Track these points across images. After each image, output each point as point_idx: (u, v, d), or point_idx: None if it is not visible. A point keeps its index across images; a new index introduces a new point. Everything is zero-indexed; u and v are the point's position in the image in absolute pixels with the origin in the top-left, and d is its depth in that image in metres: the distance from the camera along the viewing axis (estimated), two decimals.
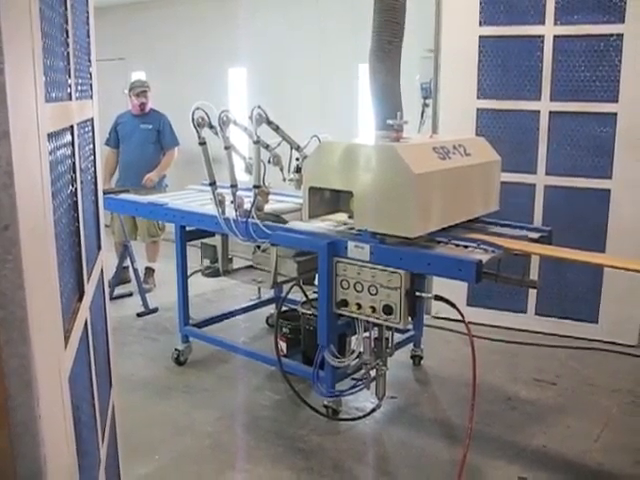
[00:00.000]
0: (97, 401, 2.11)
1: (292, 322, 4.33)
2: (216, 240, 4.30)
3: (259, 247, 4.05)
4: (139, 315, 5.65)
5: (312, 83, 6.70)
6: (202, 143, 3.93)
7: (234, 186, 3.93)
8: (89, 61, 2.36)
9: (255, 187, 3.88)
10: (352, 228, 3.59)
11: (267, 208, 4.11)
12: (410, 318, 3.43)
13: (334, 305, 3.58)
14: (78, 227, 1.92)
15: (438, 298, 3.46)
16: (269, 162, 4.20)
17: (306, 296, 4.00)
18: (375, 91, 3.59)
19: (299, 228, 3.78)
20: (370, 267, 3.41)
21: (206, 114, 3.90)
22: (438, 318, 5.22)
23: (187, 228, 4.50)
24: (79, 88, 2.04)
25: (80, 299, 1.93)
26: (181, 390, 4.25)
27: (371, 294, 3.42)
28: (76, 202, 1.91)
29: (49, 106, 1.47)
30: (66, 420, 1.46)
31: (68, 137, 1.80)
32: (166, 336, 5.08)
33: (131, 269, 5.97)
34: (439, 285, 4.53)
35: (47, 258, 1.38)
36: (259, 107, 3.82)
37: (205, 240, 4.49)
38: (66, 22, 1.81)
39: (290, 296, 4.17)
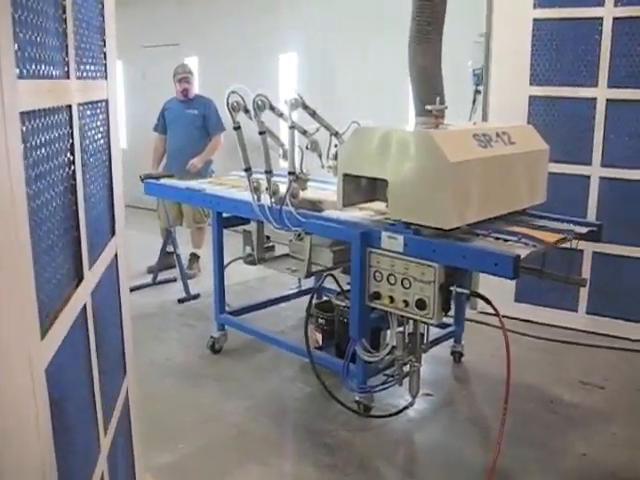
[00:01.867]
0: (98, 391, 2.04)
1: (328, 313, 4.22)
2: (252, 227, 4.22)
3: (299, 235, 3.95)
4: (180, 301, 5.64)
5: (363, 68, 6.53)
6: (237, 127, 3.85)
7: (269, 172, 3.84)
8: (102, 41, 2.28)
9: (290, 174, 3.77)
10: (388, 218, 3.45)
11: (305, 195, 4.01)
12: (444, 314, 3.27)
13: (367, 297, 3.45)
14: (76, 210, 1.85)
15: (474, 294, 3.30)
16: (307, 148, 4.09)
17: (340, 287, 3.88)
18: (414, 75, 3.43)
19: (333, 217, 3.66)
20: (403, 259, 3.26)
21: (242, 98, 3.81)
22: (484, 313, 5.02)
23: (225, 215, 4.44)
24: (83, 67, 1.96)
25: (78, 285, 1.86)
26: (213, 378, 4.20)
27: (404, 287, 3.28)
28: (74, 185, 1.84)
29: (25, 83, 1.39)
30: (38, 409, 1.39)
31: (63, 116, 1.72)
32: (204, 323, 5.04)
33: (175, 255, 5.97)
34: (486, 279, 4.33)
35: (13, 242, 1.29)
36: (295, 91, 3.70)
37: (246, 227, 4.42)
38: None
39: (331, 286, 4.07)
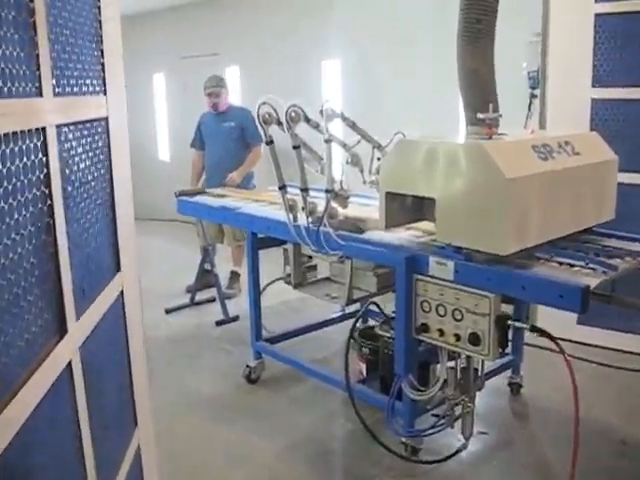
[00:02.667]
0: (91, 453, 1.74)
1: (374, 342, 3.86)
2: (288, 249, 3.90)
3: (340, 257, 3.61)
4: (218, 323, 5.35)
5: (412, 73, 6.15)
6: (269, 142, 3.54)
7: (305, 190, 3.51)
8: (99, 51, 1.98)
9: (327, 192, 3.43)
10: (435, 240, 3.08)
11: (347, 213, 3.68)
12: (501, 350, 2.88)
13: (413, 330, 3.09)
14: (55, 253, 1.55)
15: (535, 329, 2.90)
16: (347, 163, 3.75)
17: (385, 315, 3.53)
18: (464, 80, 3.05)
19: (375, 239, 3.31)
20: (454, 288, 2.89)
21: (274, 110, 3.50)
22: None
23: (261, 235, 4.14)
24: (66, 82, 1.66)
25: (59, 340, 1.57)
26: (246, 412, 3.89)
27: (455, 319, 2.91)
28: (52, 223, 1.54)
29: None
30: None
31: (32, 142, 1.42)
32: (241, 349, 4.72)
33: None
34: None
35: None
36: (331, 101, 3.37)
37: (286, 246, 4.12)
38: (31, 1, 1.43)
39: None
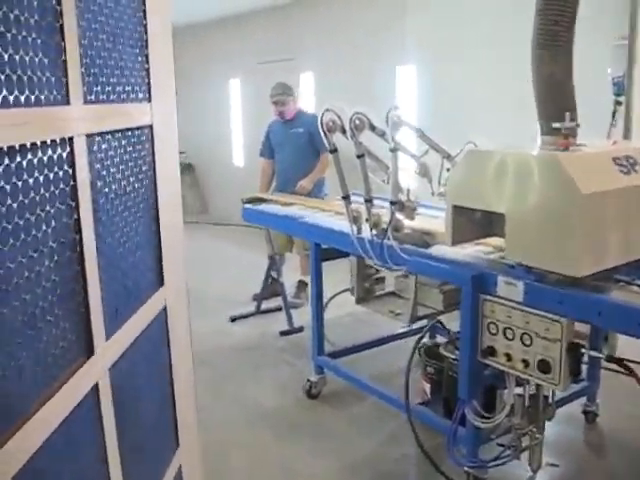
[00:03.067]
0: (120, 473, 1.66)
1: (439, 361, 3.67)
2: (352, 262, 3.76)
3: (406, 271, 3.46)
4: (282, 333, 5.26)
5: (491, 81, 5.90)
6: (333, 150, 3.41)
7: (369, 200, 3.37)
8: (143, 56, 1.91)
9: (392, 203, 3.28)
10: (503, 257, 2.89)
11: (414, 225, 3.52)
12: (573, 379, 2.65)
13: (479, 352, 2.90)
14: (82, 271, 1.47)
15: (612, 359, 2.66)
16: (416, 173, 3.60)
17: (450, 335, 3.35)
18: (539, 86, 2.84)
19: (441, 255, 3.13)
20: (524, 310, 2.69)
21: (338, 117, 3.37)
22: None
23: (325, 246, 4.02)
24: (99, 89, 1.58)
25: (84, 363, 1.49)
26: (305, 429, 3.77)
27: (524, 344, 2.70)
28: (78, 239, 1.46)
29: None
30: None
31: (56, 152, 1.34)
32: (304, 361, 4.61)
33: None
34: None
35: None
36: (396, 108, 3.22)
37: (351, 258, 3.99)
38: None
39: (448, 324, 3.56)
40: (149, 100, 1.96)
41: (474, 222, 3.01)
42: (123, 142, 1.77)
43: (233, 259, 7.56)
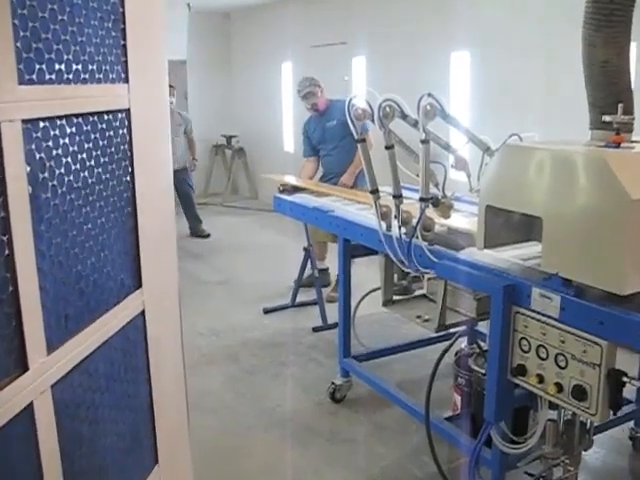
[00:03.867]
0: None
1: (471, 372, 3.37)
2: (380, 261, 3.49)
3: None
4: (315, 330, 5.03)
5: (549, 69, 5.49)
6: (360, 140, 3.15)
7: (397, 197, 3.10)
8: (119, 33, 1.68)
9: (422, 200, 2.99)
10: (539, 264, 2.58)
11: (450, 224, 3.24)
12: (612, 411, 2.33)
13: (509, 370, 2.60)
14: (12, 275, 1.27)
15: None
16: (452, 167, 3.30)
17: (479, 348, 3.06)
18: (589, 73, 2.50)
19: (473, 259, 2.83)
20: (559, 328, 2.38)
21: (369, 105, 3.10)
22: None
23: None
24: (48, 68, 1.37)
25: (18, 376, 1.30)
26: (324, 435, 3.54)
27: (558, 366, 2.40)
28: (5, 240, 1.25)
29: None
30: None
31: None
32: (333, 361, 4.36)
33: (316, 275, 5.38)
34: None
35: None
36: (430, 95, 2.92)
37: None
38: None
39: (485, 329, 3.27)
40: (126, 81, 1.73)
41: (510, 225, 2.70)
42: (84, 128, 1.55)
43: (279, 247, 7.36)
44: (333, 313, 5.13)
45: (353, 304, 3.95)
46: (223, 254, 7.42)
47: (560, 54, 5.27)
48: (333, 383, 3.91)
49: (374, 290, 3.89)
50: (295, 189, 4.59)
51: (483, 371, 2.97)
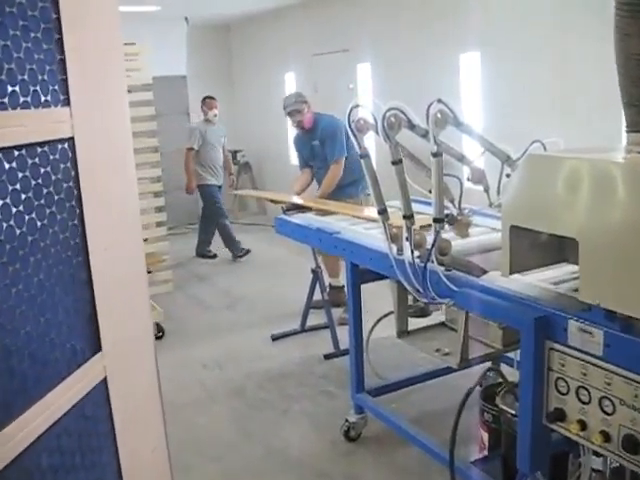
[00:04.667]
0: None
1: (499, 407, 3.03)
2: (392, 287, 3.16)
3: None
4: (327, 357, 4.69)
5: (569, 70, 5.13)
6: (364, 155, 2.82)
7: (408, 217, 2.76)
8: (56, 45, 1.37)
9: (435, 221, 2.65)
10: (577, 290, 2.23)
11: (470, 243, 2.91)
12: None
13: (544, 415, 2.26)
14: None
15: None
16: (468, 180, 2.96)
17: (506, 383, 2.71)
18: (623, 68, 2.16)
19: (497, 286, 2.48)
20: (604, 368, 2.03)
21: (372, 115, 2.77)
22: None
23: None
24: None
25: None
26: None
27: (604, 412, 2.05)
28: None
29: None
30: None
31: None
32: (347, 392, 4.01)
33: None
34: None
35: None
36: (440, 101, 2.58)
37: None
38: None
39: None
40: (66, 104, 1.42)
41: (538, 246, 2.35)
42: (5, 166, 1.24)
43: (288, 265, 7.02)
44: (346, 337, 4.79)
45: (367, 327, 3.60)
46: (230, 274, 7.11)
47: (578, 51, 4.93)
48: (347, 420, 3.57)
49: (387, 315, 3.55)
50: (298, 207, 4.28)
51: (513, 412, 2.63)
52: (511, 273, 2.35)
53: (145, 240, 5.33)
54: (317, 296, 5.11)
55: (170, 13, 8.37)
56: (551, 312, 2.21)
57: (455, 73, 6.10)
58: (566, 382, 2.16)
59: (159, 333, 5.27)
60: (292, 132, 9.20)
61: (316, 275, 4.99)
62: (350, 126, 2.77)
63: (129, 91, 5.13)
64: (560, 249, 2.37)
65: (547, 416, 2.24)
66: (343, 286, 5.52)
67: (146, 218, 5.29)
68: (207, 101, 7.81)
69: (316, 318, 5.22)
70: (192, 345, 5.08)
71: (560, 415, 2.19)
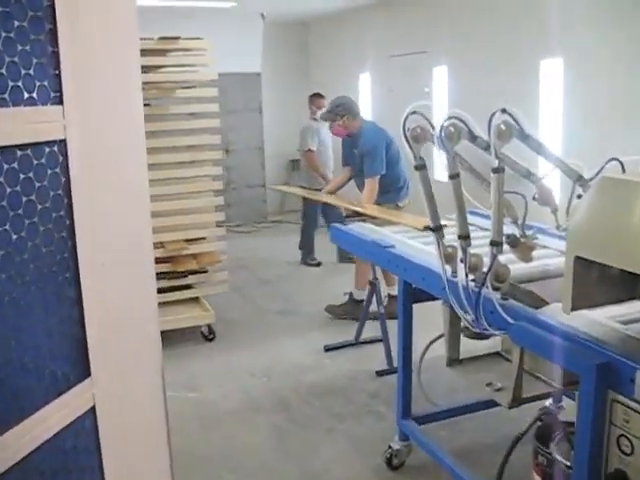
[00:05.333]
0: None
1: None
2: (443, 310, 2.91)
3: None
4: (379, 373, 4.47)
5: None
6: (420, 167, 2.59)
7: (464, 237, 2.51)
8: (50, 42, 1.22)
9: (492, 244, 2.40)
10: None
11: (530, 267, 2.64)
12: None
13: (603, 475, 1.98)
14: None
15: None
16: (534, 199, 2.69)
17: (563, 427, 2.43)
18: None
19: (557, 322, 2.21)
20: None
21: (429, 122, 2.54)
22: None
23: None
24: None
25: None
26: None
27: None
28: None
29: None
30: None
31: None
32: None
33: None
34: None
35: None
36: (505, 111, 2.32)
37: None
38: None
39: None
40: (58, 102, 1.26)
41: (608, 280, 2.08)
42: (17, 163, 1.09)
43: (352, 271, 6.78)
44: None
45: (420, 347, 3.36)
46: (292, 279, 6.94)
47: None
48: (390, 447, 3.34)
49: (438, 338, 3.30)
50: (359, 215, 4.08)
51: (569, 463, 2.36)
52: (573, 309, 2.08)
53: (203, 239, 5.24)
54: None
55: (246, 9, 8.29)
56: (617, 358, 1.93)
57: (535, 80, 5.76)
58: (630, 441, 1.88)
59: (210, 335, 5.16)
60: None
61: (374, 287, 4.77)
62: (405, 135, 2.54)
63: (193, 86, 5.13)
64: (633, 285, 2.09)
65: (606, 477, 1.97)
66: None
67: (205, 217, 5.19)
68: (315, 99, 7.36)
69: (372, 330, 4.99)
70: (242, 350, 4.94)
71: (621, 477, 1.92)
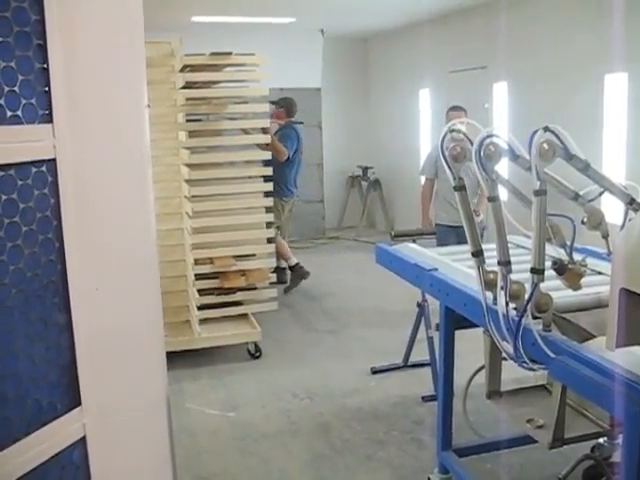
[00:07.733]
0: None
1: None
2: (484, 339, 2.76)
3: None
4: (425, 399, 4.31)
5: None
6: (459, 188, 2.46)
7: (504, 264, 2.37)
8: (40, 58, 1.17)
9: (533, 272, 2.25)
10: None
11: (577, 295, 2.47)
12: None
13: None
14: None
15: None
16: (582, 223, 2.52)
17: (607, 472, 2.25)
18: None
19: (602, 359, 2.04)
20: None
21: (469, 140, 2.41)
22: None
23: None
24: None
25: None
26: None
27: None
28: None
29: None
30: None
31: None
32: None
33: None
34: None
35: None
36: (547, 129, 2.18)
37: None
38: None
39: None
40: (47, 120, 1.21)
41: None
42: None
43: (404, 292, 6.60)
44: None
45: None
46: (341, 297, 6.82)
47: None
48: (429, 479, 3.20)
49: (480, 369, 3.13)
50: (409, 235, 3.97)
51: None
52: (618, 347, 1.92)
53: (253, 255, 5.20)
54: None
55: (306, 25, 8.29)
56: None
57: (599, 95, 5.51)
58: None
59: (256, 353, 5.11)
60: (425, 149, 8.88)
61: (422, 309, 4.62)
62: (444, 154, 2.42)
63: (245, 102, 5.11)
64: None
65: None
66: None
67: (255, 233, 5.15)
68: (451, 113, 5.67)
69: (422, 353, 4.83)
70: (286, 369, 4.86)
71: None
